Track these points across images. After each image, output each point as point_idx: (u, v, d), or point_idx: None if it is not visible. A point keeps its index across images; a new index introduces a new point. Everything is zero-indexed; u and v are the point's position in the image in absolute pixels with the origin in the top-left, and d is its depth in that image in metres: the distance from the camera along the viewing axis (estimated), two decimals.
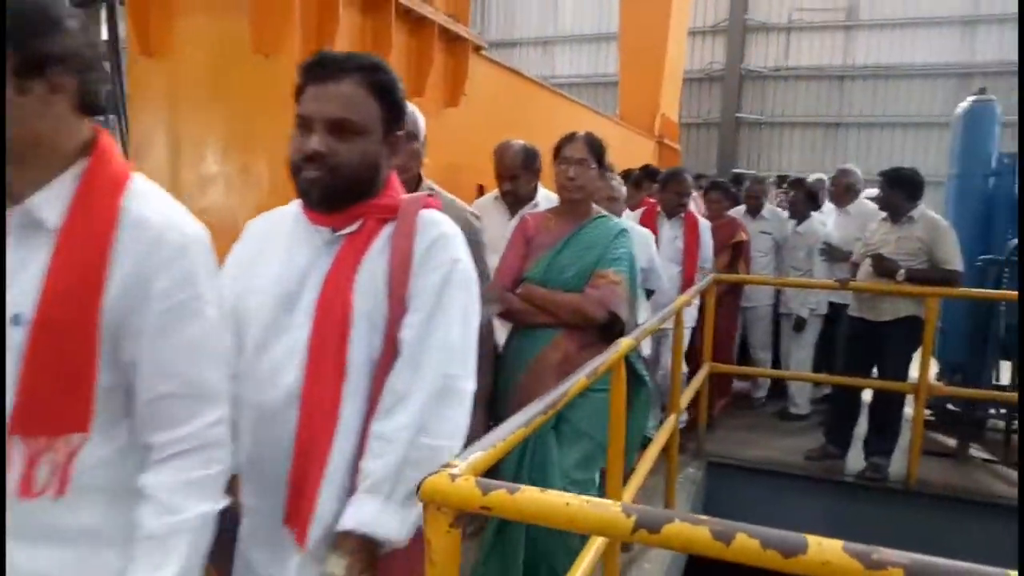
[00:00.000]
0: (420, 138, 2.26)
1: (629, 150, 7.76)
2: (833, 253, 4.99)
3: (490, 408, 2.56)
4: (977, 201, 5.00)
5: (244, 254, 1.45)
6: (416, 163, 2.23)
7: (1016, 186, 4.99)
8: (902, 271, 3.98)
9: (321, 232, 1.35)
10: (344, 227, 1.34)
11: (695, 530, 1.00)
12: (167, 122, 2.75)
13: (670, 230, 4.33)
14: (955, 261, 3.97)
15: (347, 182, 1.30)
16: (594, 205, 2.62)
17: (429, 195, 1.44)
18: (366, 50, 3.03)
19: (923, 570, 0.89)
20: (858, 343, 4.29)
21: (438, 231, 1.35)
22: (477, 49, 3.90)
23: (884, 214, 4.30)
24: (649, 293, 3.60)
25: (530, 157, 3.23)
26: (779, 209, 5.62)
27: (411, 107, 1.93)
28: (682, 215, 4.36)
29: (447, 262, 1.33)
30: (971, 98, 5.11)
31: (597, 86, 16.61)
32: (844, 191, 5.19)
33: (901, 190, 4.08)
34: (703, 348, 4.36)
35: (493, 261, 2.61)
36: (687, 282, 4.20)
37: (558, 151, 2.54)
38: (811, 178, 6.21)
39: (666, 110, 9.38)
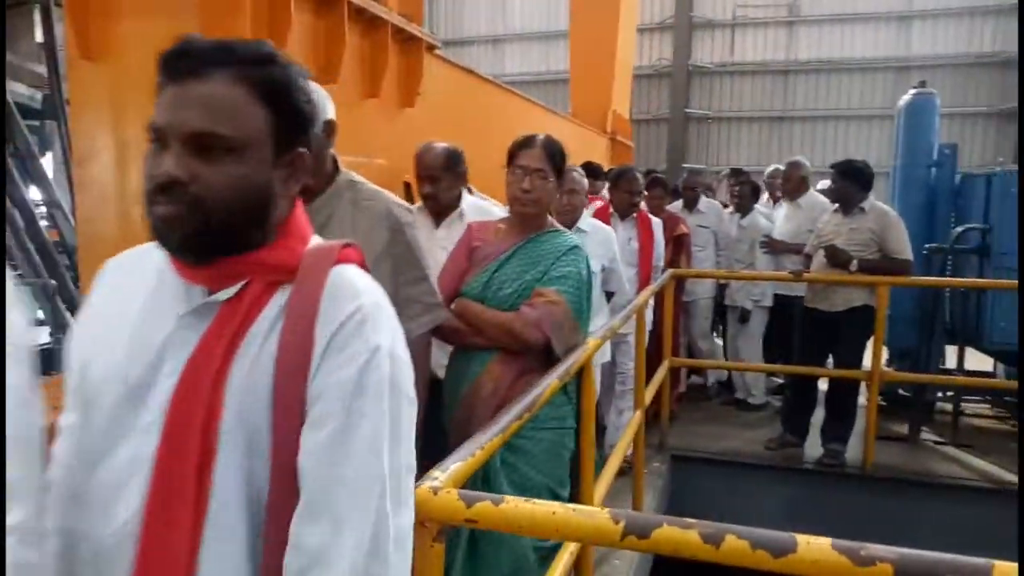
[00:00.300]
0: (324, 128, 1.73)
1: (582, 148, 7.79)
2: (775, 245, 5.14)
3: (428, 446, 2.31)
4: (920, 190, 5.17)
5: (97, 309, 1.03)
6: (326, 160, 1.78)
7: (956, 175, 5.19)
8: (855, 262, 4.08)
9: (191, 293, 0.94)
10: (218, 289, 0.93)
11: (684, 534, 1.00)
12: (111, 128, 2.64)
13: (624, 231, 4.15)
14: (905, 251, 4.09)
15: (218, 222, 0.89)
16: (550, 218, 2.36)
17: (345, 246, 1.00)
18: (319, 52, 2.98)
19: (911, 564, 0.90)
20: (813, 333, 4.38)
21: (354, 304, 0.92)
22: (431, 48, 3.85)
23: (835, 206, 4.40)
24: (610, 296, 3.53)
25: (453, 159, 2.91)
26: (715, 202, 5.65)
27: (314, 87, 1.46)
28: (635, 215, 4.23)
29: (363, 351, 0.89)
30: (912, 91, 5.27)
31: (548, 83, 16.66)
32: (798, 184, 5.26)
33: (853, 181, 4.18)
34: (662, 344, 4.40)
35: None
36: (643, 284, 4.09)
37: (512, 157, 2.25)
38: (769, 170, 6.28)
39: (618, 107, 9.43)
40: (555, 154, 2.24)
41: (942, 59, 14.29)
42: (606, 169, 5.62)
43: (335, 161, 1.84)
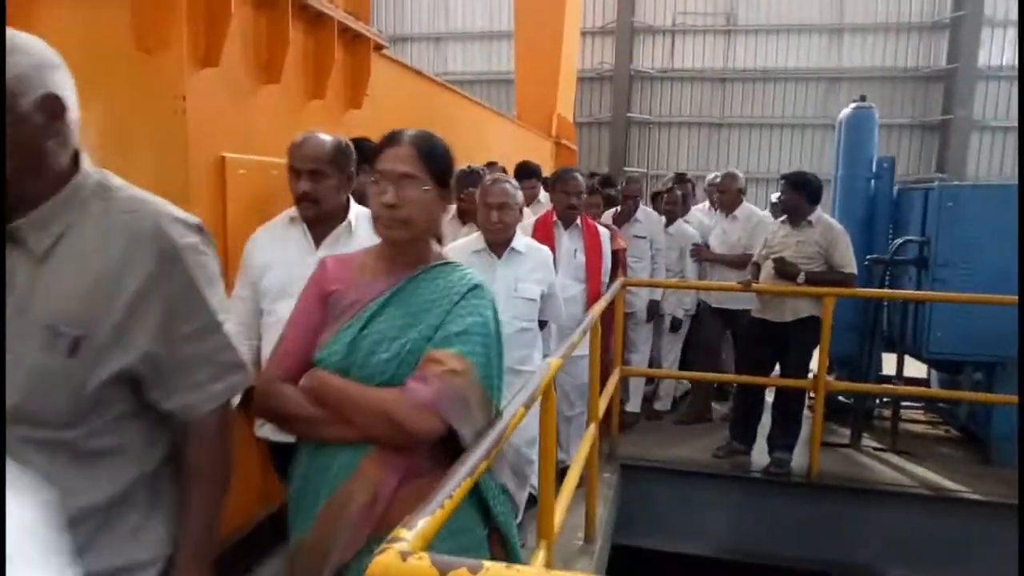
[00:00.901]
0: (40, 105, 1.17)
1: (528, 151, 7.72)
2: (702, 254, 5.20)
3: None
4: (860, 202, 5.27)
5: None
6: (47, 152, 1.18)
7: (894, 188, 5.31)
8: (802, 274, 4.12)
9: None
10: None
11: None
12: None
13: (568, 242, 3.77)
14: (850, 264, 4.15)
15: None
16: (435, 246, 1.67)
17: None
18: (261, 50, 2.80)
19: None
20: (761, 343, 4.41)
21: None
22: (378, 48, 3.70)
23: (780, 217, 4.44)
24: (542, 324, 3.17)
25: (343, 153, 2.37)
26: (651, 210, 5.32)
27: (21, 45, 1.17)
28: (578, 223, 3.83)
29: None
30: (852, 105, 5.37)
31: (490, 83, 16.57)
32: (734, 196, 5.20)
33: (804, 194, 4.22)
34: (616, 355, 4.35)
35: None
36: (593, 300, 3.70)
37: (373, 160, 1.61)
38: (709, 177, 6.31)
39: (562, 110, 9.43)
40: (433, 154, 1.58)
41: (871, 71, 14.82)
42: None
43: (76, 156, 1.25)
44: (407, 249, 1.58)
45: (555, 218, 3.80)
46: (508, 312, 2.60)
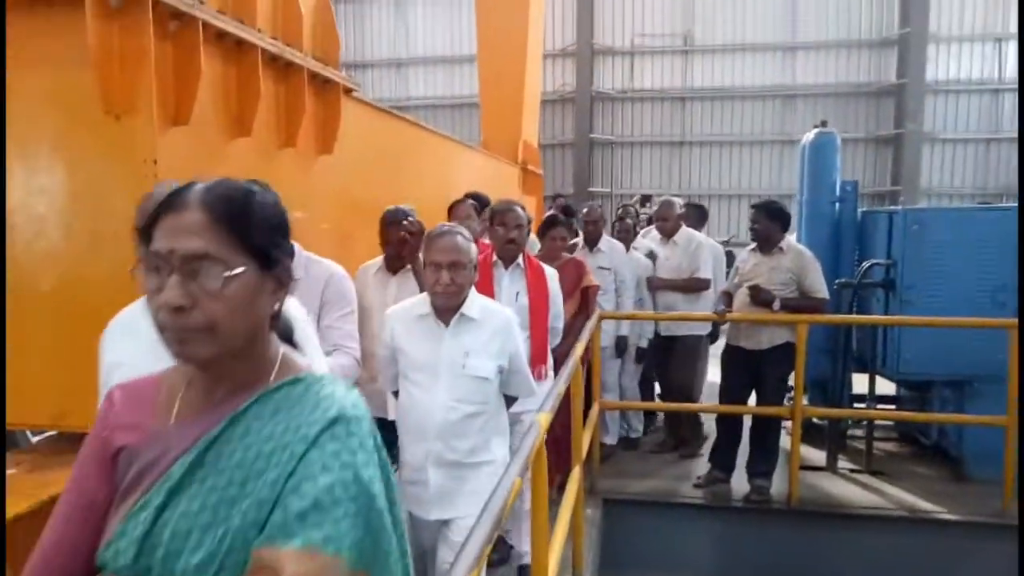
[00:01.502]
0: None
1: (495, 179, 7.73)
2: (654, 283, 5.11)
3: None
4: (825, 225, 5.37)
5: None
6: None
7: (857, 209, 5.43)
8: (777, 301, 4.17)
9: None
10: None
11: None
12: None
13: (510, 283, 3.38)
14: (822, 290, 4.23)
15: None
16: (279, 349, 1.07)
17: None
18: (231, 102, 2.76)
19: None
20: (737, 370, 4.45)
21: None
22: (348, 91, 3.67)
23: (751, 245, 4.50)
24: (510, 402, 2.69)
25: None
26: (613, 240, 5.08)
27: None
28: (520, 262, 3.40)
29: None
30: (815, 130, 5.49)
31: (454, 108, 16.61)
32: (675, 222, 5.21)
33: (778, 222, 4.30)
34: (594, 391, 4.34)
35: None
36: (537, 352, 3.28)
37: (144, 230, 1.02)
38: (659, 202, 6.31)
39: (527, 136, 9.45)
40: (239, 211, 1.00)
41: (824, 88, 15.19)
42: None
43: None
44: (217, 367, 0.99)
45: (494, 257, 3.41)
46: (453, 394, 2.42)
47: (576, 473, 3.27)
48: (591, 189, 16.03)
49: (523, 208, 3.47)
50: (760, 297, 4.21)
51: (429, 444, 2.42)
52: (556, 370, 3.31)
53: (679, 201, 5.41)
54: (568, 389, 2.92)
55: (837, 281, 4.94)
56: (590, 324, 4.07)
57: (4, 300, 0.86)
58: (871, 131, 15.06)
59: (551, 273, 3.49)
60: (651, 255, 5.26)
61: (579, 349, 3.35)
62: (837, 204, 5.36)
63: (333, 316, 2.36)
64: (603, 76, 16.04)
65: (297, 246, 2.04)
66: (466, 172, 6.50)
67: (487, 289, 3.20)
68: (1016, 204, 4.88)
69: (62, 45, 2.10)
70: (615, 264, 4.85)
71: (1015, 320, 4.15)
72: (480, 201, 4.51)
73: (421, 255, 2.68)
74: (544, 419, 2.19)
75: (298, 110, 3.16)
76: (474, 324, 2.46)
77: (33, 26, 2.14)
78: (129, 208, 2.31)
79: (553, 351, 3.53)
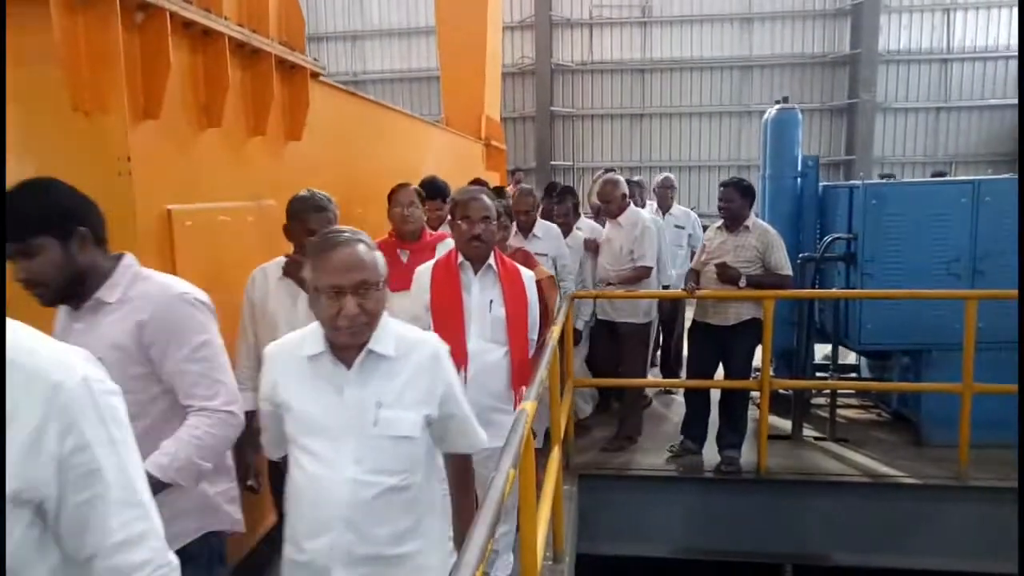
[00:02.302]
0: None
1: (459, 156, 7.69)
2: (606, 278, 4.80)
3: None
4: (788, 200, 5.47)
5: None
6: None
7: (818, 184, 5.54)
8: (743, 278, 4.27)
9: None
10: None
11: None
12: None
13: (480, 291, 2.81)
14: (786, 267, 4.34)
15: None
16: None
17: None
18: (199, 92, 2.69)
19: None
20: (706, 346, 4.55)
21: None
22: (315, 76, 3.60)
23: (718, 222, 4.57)
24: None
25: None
26: (550, 224, 4.62)
27: None
28: (493, 263, 2.84)
29: None
30: (776, 107, 5.56)
31: (411, 81, 16.39)
32: (620, 202, 4.78)
33: (748, 199, 4.39)
34: (568, 370, 4.39)
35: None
36: (518, 374, 2.80)
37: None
38: (659, 179, 6.47)
39: (490, 111, 9.39)
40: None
41: (781, 59, 15.36)
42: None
43: None
44: None
45: (459, 258, 2.82)
46: (364, 463, 1.73)
47: (555, 453, 3.33)
48: (552, 162, 16.04)
49: (492, 195, 2.91)
50: (727, 274, 4.29)
51: (335, 536, 1.72)
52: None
53: (623, 179, 4.97)
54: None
55: (800, 256, 5.05)
56: (564, 306, 4.10)
57: (4, 299, 0.85)
58: (826, 101, 15.31)
59: (528, 276, 2.93)
60: (591, 241, 4.96)
61: (556, 333, 3.38)
62: (799, 179, 5.47)
63: (175, 359, 1.76)
64: (562, 48, 15.96)
65: (127, 258, 1.80)
66: (432, 150, 6.45)
67: (454, 299, 2.75)
68: (971, 178, 5.03)
69: (28, 41, 2.02)
70: (553, 249, 4.45)
71: (970, 291, 4.33)
72: (436, 189, 4.12)
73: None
74: (531, 407, 2.22)
75: (266, 97, 3.10)
76: (388, 364, 1.77)
77: None
78: (103, 205, 2.26)
79: None
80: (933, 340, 4.69)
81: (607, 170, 11.29)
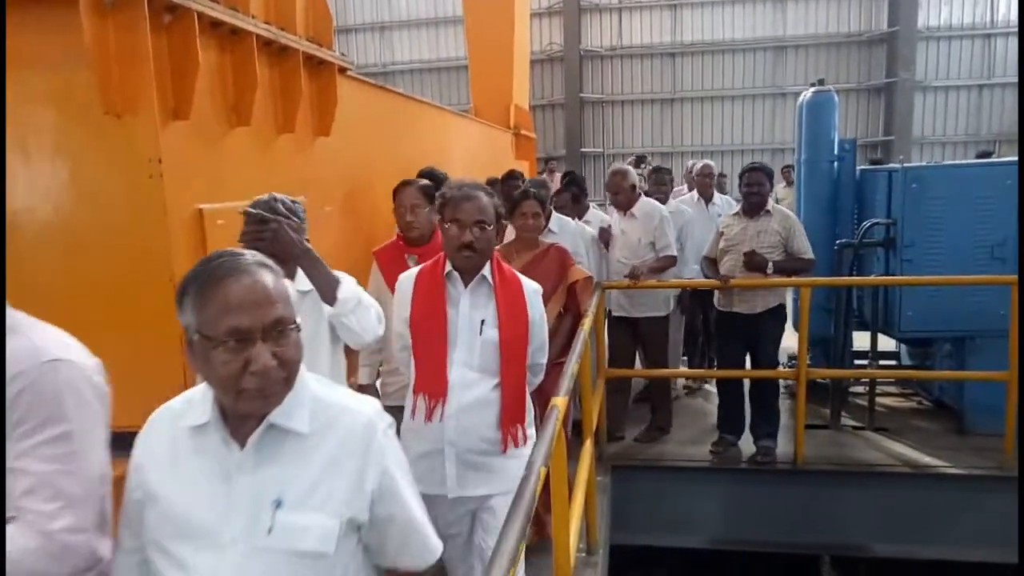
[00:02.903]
0: None
1: (489, 147, 7.66)
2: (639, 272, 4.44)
3: None
4: (824, 185, 5.35)
5: None
6: None
7: (855, 167, 5.41)
8: (771, 264, 4.20)
9: None
10: None
11: None
12: None
13: (471, 307, 2.34)
14: (809, 251, 4.30)
15: None
16: None
17: None
18: (228, 92, 2.71)
19: None
20: (734, 335, 4.48)
21: None
22: (342, 71, 3.60)
23: (735, 208, 4.50)
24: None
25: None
26: (565, 218, 4.29)
27: None
28: (488, 274, 2.35)
29: None
30: (812, 89, 5.42)
31: (440, 71, 16.39)
32: (629, 194, 4.60)
33: (770, 184, 4.31)
34: (600, 360, 4.37)
35: None
36: (510, 409, 2.32)
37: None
38: (698, 166, 6.15)
39: (518, 100, 9.34)
40: None
41: (815, 39, 15.02)
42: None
43: None
44: None
45: (447, 267, 2.34)
46: None
47: (588, 445, 3.32)
48: (583, 150, 15.94)
49: (491, 193, 2.38)
50: (755, 262, 4.22)
51: None
52: (542, 414, 2.25)
53: (633, 170, 4.76)
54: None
55: (837, 242, 4.95)
56: (594, 298, 4.05)
57: (4, 298, 0.87)
58: (863, 81, 14.96)
59: (532, 290, 2.40)
60: (606, 232, 4.74)
61: (587, 323, 3.36)
62: (836, 163, 5.34)
63: (23, 445, 1.20)
64: (591, 33, 15.81)
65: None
66: (461, 141, 6.44)
67: (436, 316, 2.29)
68: (1015, 159, 4.87)
69: (58, 44, 2.05)
70: (569, 246, 3.96)
71: (1014, 277, 4.19)
72: (435, 180, 3.60)
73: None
74: (562, 403, 2.20)
75: (294, 94, 3.10)
76: (298, 442, 1.26)
77: (27, 25, 2.08)
78: (132, 207, 2.30)
79: (534, 394, 2.54)
80: (977, 327, 4.56)
81: (638, 157, 11.17)
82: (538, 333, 2.44)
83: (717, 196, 6.21)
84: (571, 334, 3.17)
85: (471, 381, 2.30)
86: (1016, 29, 14.41)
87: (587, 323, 3.40)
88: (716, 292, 4.55)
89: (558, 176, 5.06)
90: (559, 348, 3.11)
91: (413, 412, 2.35)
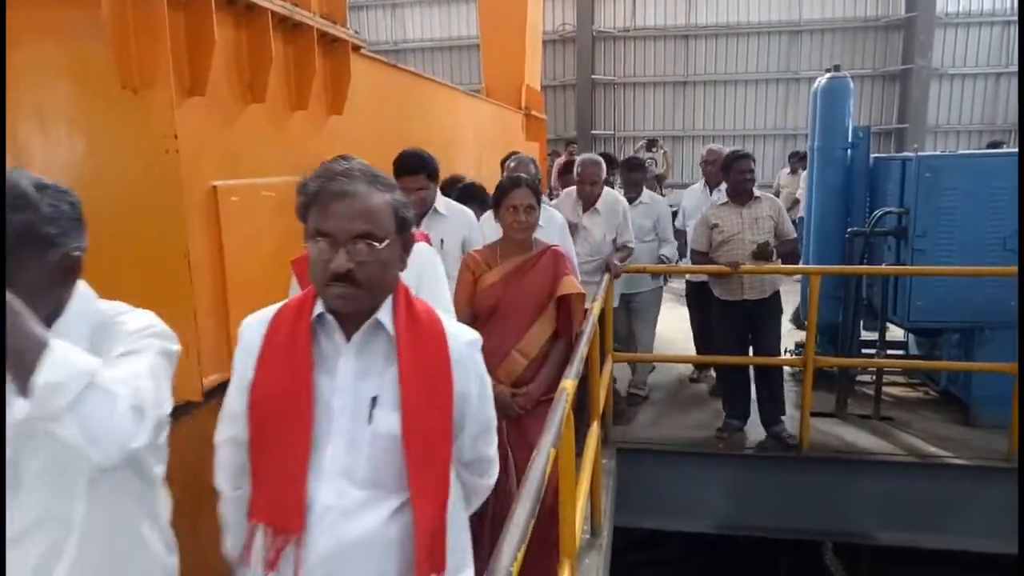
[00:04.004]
0: None
1: (500, 126, 7.64)
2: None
3: None
4: (837, 172, 5.31)
5: None
6: None
7: (869, 155, 5.37)
8: (775, 250, 4.26)
9: None
10: None
11: None
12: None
13: (354, 379, 1.43)
14: (793, 231, 4.42)
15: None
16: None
17: None
18: (243, 69, 2.71)
19: None
20: (734, 323, 4.48)
21: None
22: (356, 49, 3.59)
23: (719, 197, 4.52)
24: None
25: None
26: (552, 211, 3.89)
27: None
28: (387, 322, 1.44)
29: None
30: (827, 75, 5.37)
31: (451, 50, 16.28)
32: (601, 187, 4.40)
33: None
34: (607, 343, 4.38)
35: None
36: (426, 551, 1.37)
37: None
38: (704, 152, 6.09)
39: (530, 80, 9.29)
40: None
41: (831, 23, 14.84)
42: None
43: None
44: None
45: (316, 309, 1.44)
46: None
47: (595, 428, 3.34)
48: (593, 132, 15.85)
49: (389, 185, 1.46)
50: (765, 252, 4.22)
51: None
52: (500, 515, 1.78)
53: (602, 160, 4.48)
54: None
55: (849, 230, 4.93)
56: (604, 283, 4.05)
57: (3, 298, 0.86)
58: (878, 67, 14.78)
59: (465, 341, 1.51)
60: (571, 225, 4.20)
61: (596, 307, 3.36)
62: (849, 151, 5.30)
63: None
64: (604, 14, 15.65)
65: None
66: (472, 121, 6.42)
67: (293, 392, 1.40)
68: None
69: (77, 17, 2.05)
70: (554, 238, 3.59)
71: (1015, 268, 4.16)
72: (419, 160, 3.25)
73: None
74: (571, 386, 2.22)
75: (308, 71, 3.10)
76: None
77: None
78: (148, 182, 2.31)
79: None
80: (986, 318, 4.55)
81: (649, 140, 11.07)
82: (479, 411, 1.54)
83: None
84: (562, 367, 2.43)
85: (351, 505, 1.38)
86: None
87: (596, 307, 3.42)
88: (712, 282, 4.51)
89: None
90: (547, 384, 2.60)
91: (247, 555, 1.42)
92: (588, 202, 4.35)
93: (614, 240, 4.41)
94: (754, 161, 4.40)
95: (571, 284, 2.81)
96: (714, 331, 4.75)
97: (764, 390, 4.55)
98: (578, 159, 4.57)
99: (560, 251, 2.91)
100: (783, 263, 4.47)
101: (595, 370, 3.49)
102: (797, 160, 10.19)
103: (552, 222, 3.68)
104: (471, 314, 2.84)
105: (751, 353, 4.55)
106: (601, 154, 5.13)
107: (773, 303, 4.43)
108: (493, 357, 2.12)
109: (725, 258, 4.35)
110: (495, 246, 2.95)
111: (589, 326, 3.01)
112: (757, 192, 4.38)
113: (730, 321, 4.53)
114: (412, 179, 3.14)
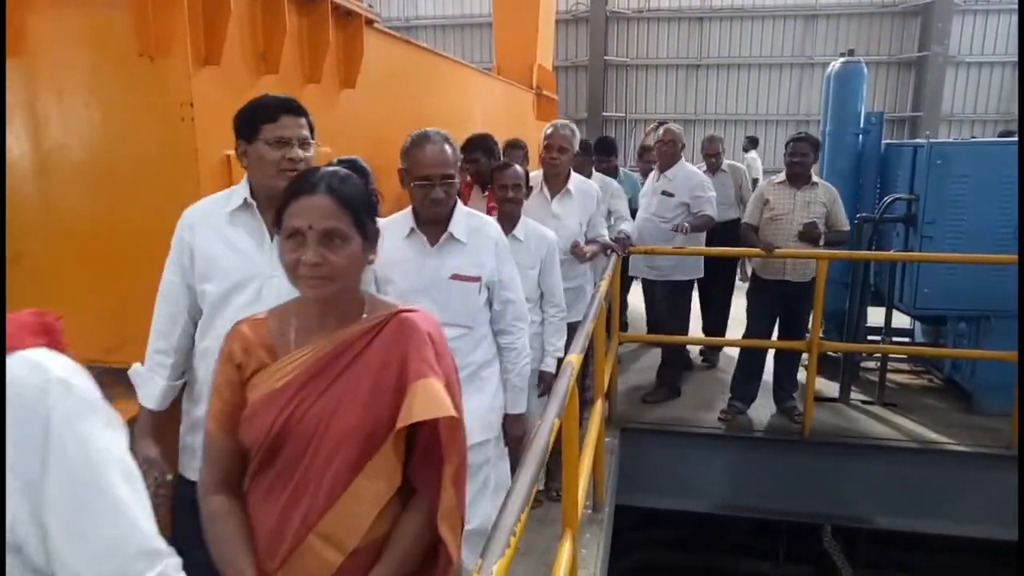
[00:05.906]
0: None
1: (511, 106, 7.62)
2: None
3: None
4: (848, 158, 5.31)
5: None
6: None
7: (881, 141, 5.35)
8: (823, 236, 4.26)
9: None
10: None
11: None
12: (30, 136, 2.33)
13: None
14: (847, 223, 4.33)
15: None
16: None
17: None
18: (258, 40, 2.72)
19: None
20: (768, 304, 4.51)
21: None
22: (369, 23, 3.59)
23: (778, 178, 4.47)
24: None
25: None
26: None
27: None
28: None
29: None
30: (840, 60, 5.34)
31: (463, 28, 16.17)
32: (560, 154, 3.65)
33: (816, 155, 4.33)
34: (614, 322, 4.41)
35: None
36: None
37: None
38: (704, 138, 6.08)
39: (542, 60, 9.24)
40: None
41: (847, 8, 14.67)
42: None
43: None
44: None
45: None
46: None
47: (599, 406, 3.38)
48: (605, 113, 15.76)
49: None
50: (812, 234, 4.24)
51: None
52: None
53: (575, 128, 3.83)
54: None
55: (858, 216, 4.92)
56: (612, 259, 4.07)
57: (4, 294, 0.86)
58: (894, 53, 14.62)
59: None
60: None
61: (603, 286, 3.39)
62: (861, 136, 5.28)
63: None
64: None
65: None
66: (483, 99, 6.41)
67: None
68: None
69: None
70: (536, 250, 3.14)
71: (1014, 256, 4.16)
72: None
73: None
74: (576, 360, 2.25)
75: (322, 44, 3.10)
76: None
77: None
78: (164, 149, 2.34)
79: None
80: (993, 307, 4.55)
81: (660, 123, 11.00)
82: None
83: (726, 163, 5.98)
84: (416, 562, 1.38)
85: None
86: None
87: (603, 285, 3.44)
88: (752, 260, 4.59)
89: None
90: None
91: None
92: (557, 183, 3.67)
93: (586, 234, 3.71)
94: (814, 146, 4.36)
95: (432, 396, 1.33)
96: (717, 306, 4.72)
97: (782, 365, 4.60)
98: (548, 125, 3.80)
99: (416, 319, 1.44)
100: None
101: (600, 348, 3.52)
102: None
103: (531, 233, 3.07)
104: (233, 452, 1.39)
105: (775, 335, 4.60)
106: (603, 138, 5.14)
107: (808, 288, 4.40)
108: (274, 544, 1.31)
109: (771, 235, 4.39)
110: (289, 311, 1.46)
111: (595, 305, 3.04)
112: (816, 178, 4.38)
113: (765, 298, 4.54)
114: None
